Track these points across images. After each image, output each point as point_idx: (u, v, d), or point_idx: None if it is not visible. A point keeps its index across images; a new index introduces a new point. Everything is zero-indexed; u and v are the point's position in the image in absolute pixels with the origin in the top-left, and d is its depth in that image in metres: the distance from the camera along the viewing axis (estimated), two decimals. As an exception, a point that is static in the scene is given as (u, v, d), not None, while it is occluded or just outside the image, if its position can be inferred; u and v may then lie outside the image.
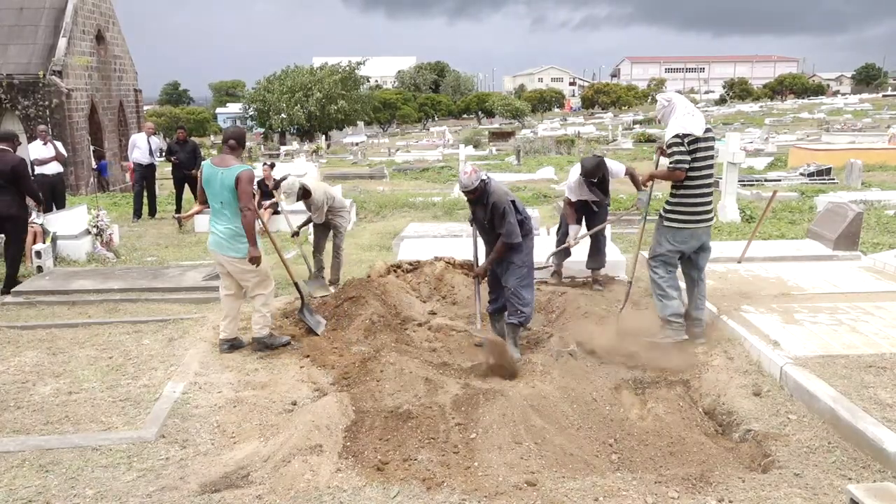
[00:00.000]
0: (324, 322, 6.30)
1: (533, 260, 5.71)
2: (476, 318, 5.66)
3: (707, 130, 5.40)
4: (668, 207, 5.52)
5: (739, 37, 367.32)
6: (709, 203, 5.48)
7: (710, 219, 5.53)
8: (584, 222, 7.29)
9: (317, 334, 6.09)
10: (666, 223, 5.53)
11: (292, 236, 7.80)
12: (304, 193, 7.18)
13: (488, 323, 5.94)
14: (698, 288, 5.68)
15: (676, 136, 5.30)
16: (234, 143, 5.52)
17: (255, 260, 5.48)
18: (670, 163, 5.37)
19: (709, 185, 5.45)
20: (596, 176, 6.87)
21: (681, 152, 5.29)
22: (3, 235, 8.08)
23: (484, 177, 5.42)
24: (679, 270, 5.76)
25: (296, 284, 6.33)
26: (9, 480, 3.77)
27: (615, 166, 7.10)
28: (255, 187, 11.98)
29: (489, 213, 5.43)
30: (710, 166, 5.45)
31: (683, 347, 5.45)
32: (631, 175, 7.06)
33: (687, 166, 5.31)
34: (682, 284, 5.84)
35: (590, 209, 7.17)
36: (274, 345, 5.75)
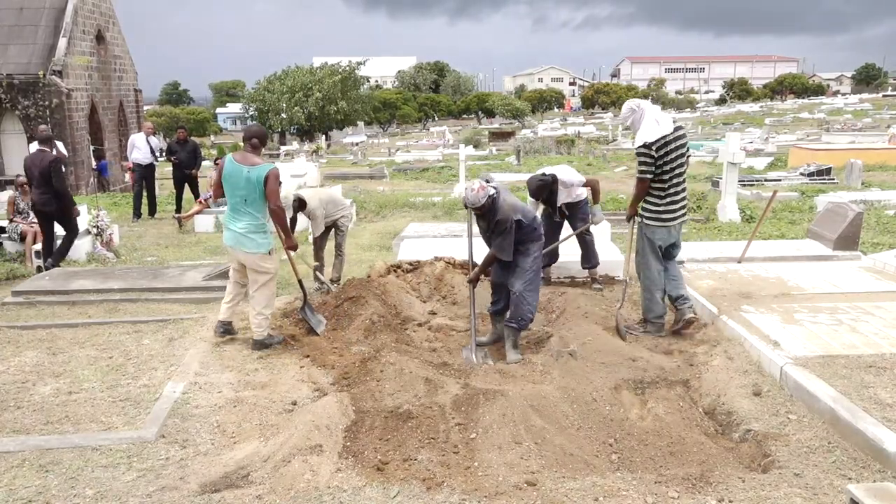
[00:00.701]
0: (324, 322, 6.30)
1: (540, 265, 5.75)
2: (471, 336, 5.65)
3: (677, 129, 5.55)
4: (645, 206, 5.72)
5: (740, 37, 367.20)
6: (682, 200, 5.69)
7: (684, 215, 5.76)
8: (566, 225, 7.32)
9: (317, 334, 6.10)
10: (647, 222, 5.72)
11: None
12: (300, 205, 7.20)
13: (489, 324, 5.95)
14: (670, 272, 5.85)
15: (643, 145, 5.49)
16: (257, 141, 5.68)
17: (293, 247, 5.93)
18: (638, 172, 5.63)
19: (681, 184, 5.64)
20: (540, 197, 6.95)
21: (647, 162, 5.51)
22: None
23: (492, 192, 5.35)
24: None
25: (300, 282, 6.35)
26: (9, 480, 3.78)
27: (569, 177, 7.04)
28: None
29: (492, 227, 5.44)
30: (682, 165, 5.61)
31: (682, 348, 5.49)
32: (592, 187, 7.15)
33: (650, 176, 5.55)
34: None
35: (564, 213, 7.19)
36: (271, 344, 5.80)
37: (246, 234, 5.60)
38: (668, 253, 5.87)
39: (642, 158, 5.52)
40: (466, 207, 5.63)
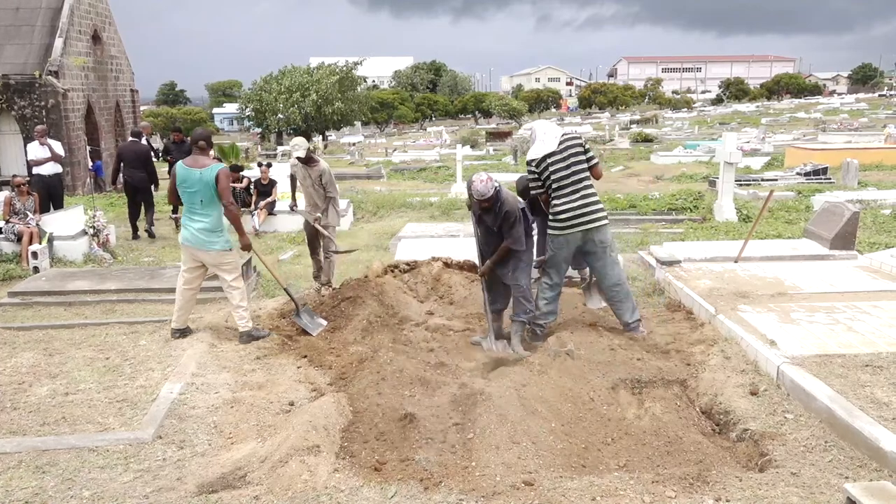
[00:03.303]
0: (324, 323, 6.29)
1: (532, 257, 5.92)
2: (489, 332, 5.72)
3: (564, 142, 5.70)
4: (550, 218, 5.87)
5: (746, 35, 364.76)
6: (579, 209, 5.66)
7: (587, 222, 5.67)
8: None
9: (312, 336, 6.10)
10: (548, 231, 5.87)
11: (291, 209, 8.18)
12: (310, 159, 7.24)
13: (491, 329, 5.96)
14: (616, 301, 5.87)
15: (528, 164, 5.86)
16: (204, 143, 5.90)
17: (247, 247, 6.02)
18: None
19: (575, 192, 5.66)
20: (527, 197, 6.84)
21: (533, 180, 5.84)
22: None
23: (496, 184, 5.47)
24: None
25: (286, 290, 6.41)
26: (5, 482, 3.77)
27: None
28: (252, 187, 12.26)
29: (500, 219, 5.48)
30: (574, 174, 5.68)
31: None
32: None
33: (540, 190, 5.83)
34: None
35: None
36: (258, 336, 5.92)
37: (204, 233, 5.76)
38: (600, 274, 5.88)
39: (530, 176, 5.90)
40: (473, 200, 5.64)
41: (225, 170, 5.79)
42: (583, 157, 5.73)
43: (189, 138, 7.59)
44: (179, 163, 5.90)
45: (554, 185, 5.70)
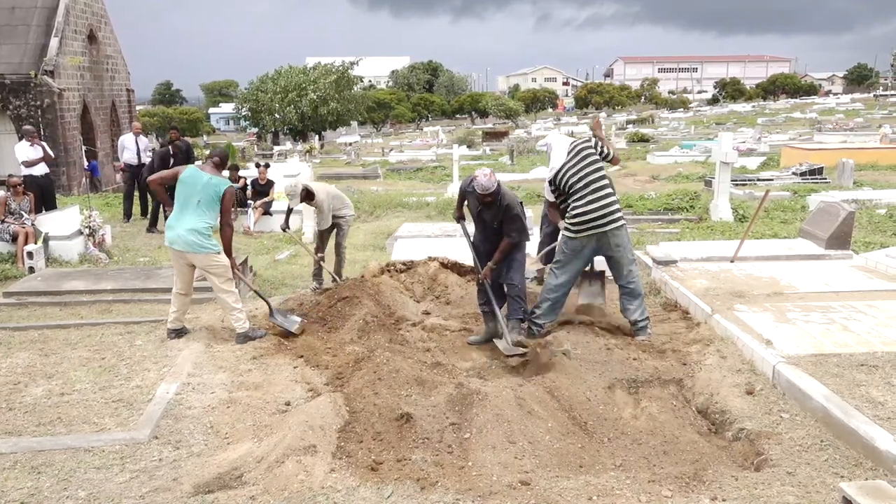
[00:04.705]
0: (299, 320, 6.26)
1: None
2: (504, 333, 5.67)
3: (573, 149, 5.80)
4: (566, 220, 5.92)
5: (745, 36, 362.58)
6: (594, 212, 5.67)
7: (601, 225, 5.68)
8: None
9: (294, 334, 6.08)
10: (563, 233, 5.93)
11: (283, 230, 7.88)
12: (308, 195, 7.20)
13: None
14: (625, 297, 5.89)
15: (549, 180, 6.06)
16: (219, 160, 6.11)
17: (232, 267, 6.07)
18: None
19: (589, 195, 5.68)
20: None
21: (553, 191, 6.02)
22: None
23: (497, 179, 5.52)
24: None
25: (256, 292, 6.51)
26: (1, 482, 3.76)
27: None
28: (249, 187, 12.31)
29: (501, 214, 5.50)
30: (587, 176, 5.71)
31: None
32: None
33: (552, 198, 6.21)
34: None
35: None
36: (255, 336, 5.95)
37: (194, 234, 5.74)
38: (615, 274, 5.93)
39: (550, 188, 6.12)
40: (473, 196, 5.65)
41: (233, 190, 5.95)
42: (596, 160, 5.77)
43: (186, 138, 7.69)
44: (191, 165, 6.07)
45: (569, 191, 5.76)
